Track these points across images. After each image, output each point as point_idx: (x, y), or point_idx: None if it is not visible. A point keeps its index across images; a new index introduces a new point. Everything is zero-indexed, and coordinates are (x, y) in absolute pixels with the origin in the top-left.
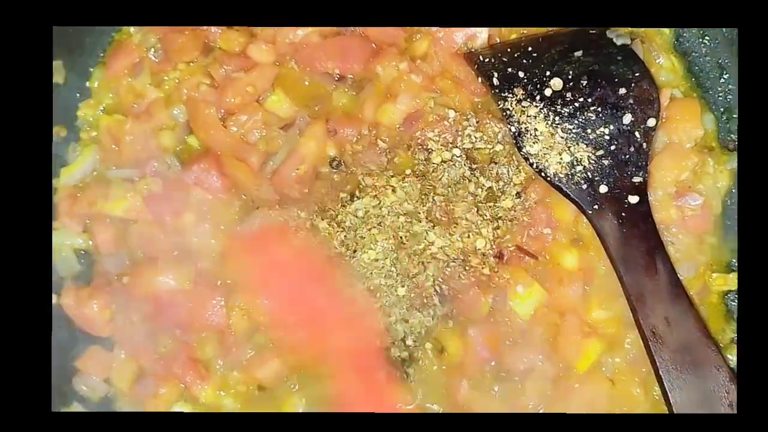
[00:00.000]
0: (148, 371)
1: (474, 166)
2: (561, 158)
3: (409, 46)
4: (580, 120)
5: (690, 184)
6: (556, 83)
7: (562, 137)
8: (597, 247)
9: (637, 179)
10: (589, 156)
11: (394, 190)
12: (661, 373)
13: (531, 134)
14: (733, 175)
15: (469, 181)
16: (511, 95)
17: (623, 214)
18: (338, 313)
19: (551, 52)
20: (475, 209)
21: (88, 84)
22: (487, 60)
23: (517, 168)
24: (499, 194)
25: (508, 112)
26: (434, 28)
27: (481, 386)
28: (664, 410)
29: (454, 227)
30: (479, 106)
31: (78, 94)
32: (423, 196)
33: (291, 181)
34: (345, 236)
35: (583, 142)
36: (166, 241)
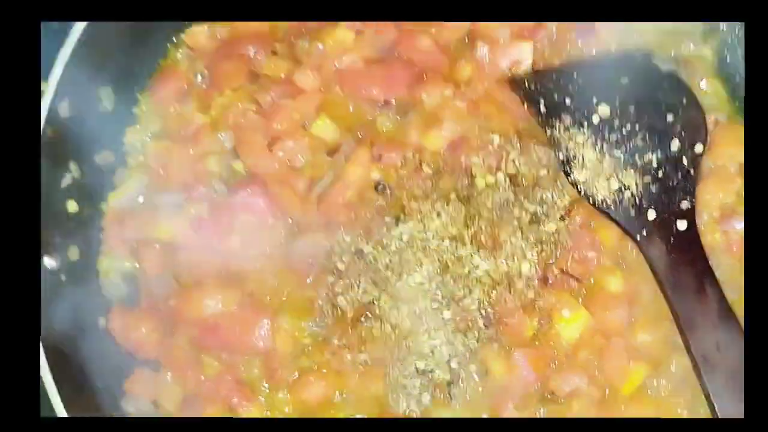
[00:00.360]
0: (194, 393)
1: (518, 191)
2: (609, 184)
3: (452, 71)
4: (628, 146)
5: (734, 207)
6: (604, 111)
7: (609, 164)
8: (641, 270)
9: (685, 205)
10: (636, 182)
11: (438, 215)
12: (713, 399)
13: (579, 161)
14: None
15: (513, 205)
16: (558, 122)
17: (671, 239)
18: None
19: (597, 79)
20: (520, 233)
21: (135, 110)
22: (533, 87)
23: (561, 192)
24: (543, 218)
25: (555, 138)
26: (479, 55)
27: (526, 408)
28: None
29: (499, 251)
30: (523, 131)
31: (125, 120)
32: (468, 220)
33: (337, 206)
34: (390, 260)
35: (630, 169)
36: (212, 265)
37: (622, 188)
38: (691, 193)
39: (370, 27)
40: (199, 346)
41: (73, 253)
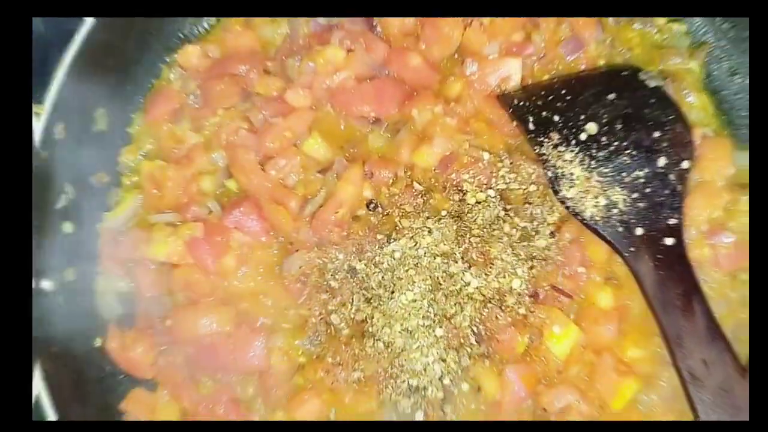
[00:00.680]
0: (191, 412)
1: (508, 207)
2: (597, 201)
3: (442, 88)
4: (616, 163)
5: (722, 222)
6: (591, 127)
7: (597, 181)
8: (631, 285)
9: (672, 221)
10: (624, 199)
11: (430, 232)
12: (700, 415)
13: (567, 178)
14: None
15: (504, 221)
16: (547, 139)
17: (659, 256)
18: None
19: (585, 95)
20: (510, 249)
21: (129, 130)
22: (521, 103)
23: (551, 208)
24: (533, 234)
25: (544, 156)
26: (468, 71)
27: None
28: None
29: (490, 267)
30: (513, 148)
31: (119, 141)
32: (459, 237)
33: (330, 224)
34: (383, 277)
35: (618, 186)
36: (207, 285)
37: (610, 205)
38: (678, 210)
39: (361, 45)
40: (195, 365)
41: (69, 274)
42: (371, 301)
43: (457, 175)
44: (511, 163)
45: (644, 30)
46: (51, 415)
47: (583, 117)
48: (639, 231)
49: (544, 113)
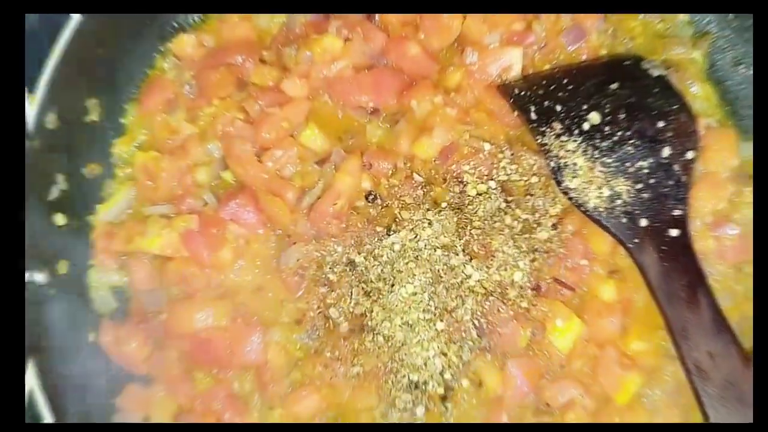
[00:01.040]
0: (186, 408)
1: (510, 199)
2: (600, 192)
3: (442, 78)
4: (619, 154)
5: (727, 213)
6: (594, 117)
7: (601, 171)
8: (635, 278)
9: (677, 212)
10: (628, 190)
11: (430, 224)
12: (706, 408)
13: (570, 169)
14: None
15: (505, 213)
16: (549, 129)
17: (664, 247)
18: None
19: (587, 85)
20: (512, 241)
21: (122, 120)
22: (522, 93)
23: (553, 200)
24: (535, 226)
25: (546, 146)
26: (468, 61)
27: (520, 420)
28: None
29: (491, 260)
30: (514, 138)
31: (112, 131)
32: (460, 229)
33: (328, 216)
34: (382, 270)
35: (622, 176)
36: (203, 278)
37: (614, 196)
38: (683, 201)
39: (359, 34)
40: (191, 360)
41: (62, 267)
42: (370, 294)
43: (457, 166)
44: (512, 154)
45: (647, 20)
46: (44, 411)
47: (585, 107)
48: (643, 222)
49: (546, 103)
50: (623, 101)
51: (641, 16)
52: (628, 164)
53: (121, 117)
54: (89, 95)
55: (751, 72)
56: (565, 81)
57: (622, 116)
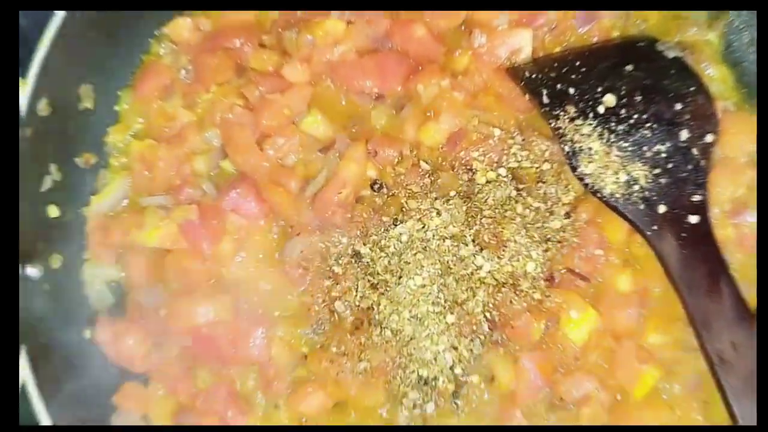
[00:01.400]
0: (187, 407)
1: (521, 186)
2: (617, 178)
3: (449, 61)
4: (636, 137)
5: (746, 200)
6: (610, 100)
7: (617, 156)
8: (651, 268)
9: (696, 198)
10: (645, 175)
11: (438, 213)
12: (730, 400)
13: (585, 153)
14: None
15: (516, 201)
16: (563, 113)
17: (683, 234)
18: None
19: (600, 67)
20: (524, 231)
21: (116, 108)
22: (533, 76)
23: (566, 187)
24: (548, 215)
25: (560, 131)
26: (476, 44)
27: (534, 416)
28: None
29: (503, 250)
30: (524, 124)
31: (106, 120)
32: (469, 219)
33: (332, 206)
34: (389, 262)
35: (639, 161)
36: (203, 271)
37: (631, 181)
38: (702, 186)
39: (362, 17)
40: (191, 357)
41: (56, 261)
42: (377, 287)
43: (466, 153)
44: (523, 140)
45: None
46: (39, 410)
47: (599, 89)
48: (662, 208)
49: (558, 86)
50: (639, 83)
51: None
52: (645, 148)
53: (115, 104)
54: (82, 81)
55: None
56: (578, 63)
57: (638, 99)
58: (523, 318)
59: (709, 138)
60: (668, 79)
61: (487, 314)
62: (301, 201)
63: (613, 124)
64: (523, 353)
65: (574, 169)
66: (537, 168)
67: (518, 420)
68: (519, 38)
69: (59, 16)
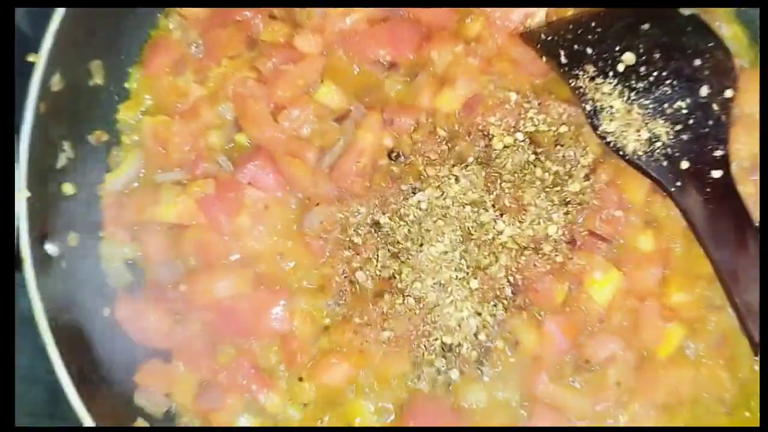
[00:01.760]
0: (210, 383)
1: (539, 150)
2: (639, 135)
3: (461, 28)
4: (656, 94)
5: None
6: (629, 58)
7: (638, 113)
8: (673, 227)
9: (718, 153)
10: (667, 131)
11: (457, 180)
12: (760, 351)
13: (607, 112)
14: None
15: (535, 165)
16: (582, 72)
17: (708, 189)
18: None
19: (616, 27)
20: (544, 195)
21: (126, 85)
22: (549, 38)
23: (584, 149)
24: (567, 178)
25: (580, 90)
26: (488, 8)
27: (560, 378)
28: (752, 392)
29: (524, 215)
30: (540, 88)
31: (116, 96)
32: (489, 184)
33: (351, 175)
34: (409, 230)
35: (660, 118)
36: (222, 245)
37: (653, 138)
38: (724, 141)
39: None
40: (213, 332)
41: (72, 240)
42: (398, 255)
43: (482, 118)
44: (539, 104)
45: None
46: (68, 386)
47: (618, 48)
48: (685, 164)
49: (575, 46)
50: (657, 41)
51: None
52: (666, 105)
53: (125, 81)
54: (92, 57)
55: None
56: (593, 24)
57: (657, 56)
58: (546, 281)
59: (728, 93)
60: (686, 36)
61: (510, 278)
62: (319, 172)
63: (633, 81)
64: (546, 316)
65: (595, 128)
66: (554, 131)
67: (544, 383)
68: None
69: None
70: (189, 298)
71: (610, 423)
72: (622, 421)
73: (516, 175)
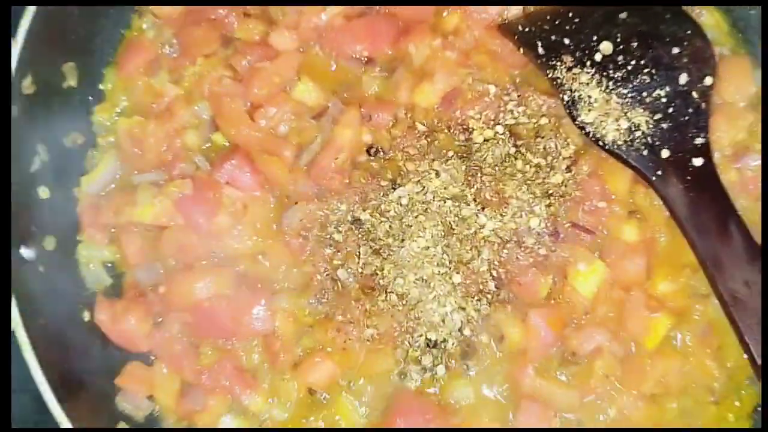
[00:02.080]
0: (192, 385)
1: (519, 143)
2: (618, 125)
3: (438, 21)
4: (635, 83)
5: (747, 144)
6: (606, 47)
7: (617, 103)
8: (656, 217)
9: (699, 141)
10: (647, 120)
11: (437, 174)
12: (746, 339)
13: (585, 102)
14: None
15: (516, 158)
16: (559, 63)
17: (689, 178)
18: None
19: (594, 16)
20: (525, 187)
21: (101, 87)
22: (527, 29)
23: (565, 141)
24: (549, 170)
25: (558, 81)
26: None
27: (547, 372)
28: (740, 381)
29: (505, 208)
30: (519, 80)
31: (90, 98)
32: (469, 178)
33: (330, 172)
34: (390, 226)
35: (639, 107)
36: (201, 246)
37: (633, 128)
38: (704, 129)
39: None
40: (194, 334)
41: (49, 243)
42: (380, 252)
43: (461, 112)
44: (518, 96)
45: None
46: (46, 391)
47: (595, 38)
48: (665, 153)
49: (552, 37)
50: (634, 29)
51: None
52: (644, 94)
53: (99, 83)
54: (65, 59)
55: None
56: (571, 14)
57: (634, 45)
58: (529, 274)
59: (708, 81)
60: (664, 24)
61: (493, 272)
62: (297, 170)
63: (611, 71)
64: (531, 310)
65: (574, 118)
66: (535, 123)
67: (530, 377)
68: None
69: None
70: (169, 299)
71: (598, 415)
72: (611, 413)
73: (497, 168)
